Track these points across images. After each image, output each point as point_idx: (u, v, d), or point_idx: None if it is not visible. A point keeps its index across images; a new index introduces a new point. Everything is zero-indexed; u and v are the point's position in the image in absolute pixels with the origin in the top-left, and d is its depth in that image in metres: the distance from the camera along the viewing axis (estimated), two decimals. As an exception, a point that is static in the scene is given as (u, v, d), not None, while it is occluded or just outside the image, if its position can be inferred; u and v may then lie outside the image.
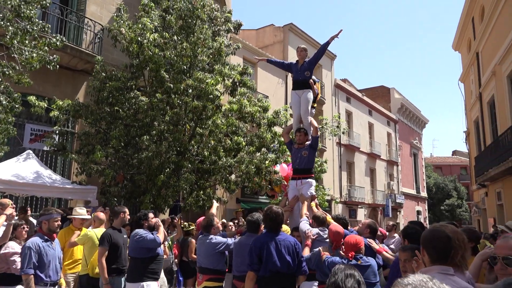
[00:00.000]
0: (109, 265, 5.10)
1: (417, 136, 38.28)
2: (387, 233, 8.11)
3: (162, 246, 5.39)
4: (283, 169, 9.53)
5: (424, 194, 38.62)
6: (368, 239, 5.04)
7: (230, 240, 5.09)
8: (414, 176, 36.78)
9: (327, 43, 6.34)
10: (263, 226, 4.84)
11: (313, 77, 6.68)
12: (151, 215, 5.24)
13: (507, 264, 2.19)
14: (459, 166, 52.35)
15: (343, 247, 4.39)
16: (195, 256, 6.53)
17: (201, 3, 10.17)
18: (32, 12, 6.77)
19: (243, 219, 9.06)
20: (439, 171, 51.25)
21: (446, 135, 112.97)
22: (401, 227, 29.28)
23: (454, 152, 58.41)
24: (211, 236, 5.08)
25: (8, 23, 6.58)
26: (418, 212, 36.32)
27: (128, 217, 5.64)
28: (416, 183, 36.97)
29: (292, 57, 18.35)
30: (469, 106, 21.63)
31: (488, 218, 17.60)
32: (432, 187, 42.50)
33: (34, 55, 6.74)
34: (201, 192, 9.93)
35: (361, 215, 26.63)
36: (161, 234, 5.23)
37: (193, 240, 7.32)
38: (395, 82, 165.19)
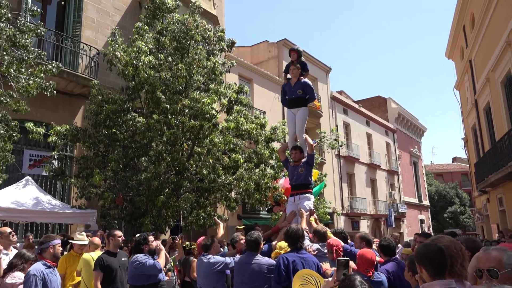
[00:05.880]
0: None
1: (416, 145, 38.33)
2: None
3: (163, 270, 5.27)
4: (286, 181, 9.56)
5: (426, 202, 38.45)
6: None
7: (229, 259, 5.05)
8: (415, 185, 36.69)
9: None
10: (262, 244, 4.83)
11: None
12: (151, 238, 5.07)
13: (491, 276, 2.21)
14: (460, 173, 52.24)
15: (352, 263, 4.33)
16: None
17: (195, 24, 10.33)
18: (28, 41, 6.88)
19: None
20: (440, 178, 51.13)
21: (445, 143, 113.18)
22: (405, 237, 29.08)
23: (454, 159, 58.40)
24: (209, 256, 5.04)
25: (4, 53, 6.68)
26: (422, 221, 36.10)
27: (120, 239, 5.46)
28: (417, 192, 36.85)
29: (287, 72, 18.45)
30: (466, 113, 21.73)
31: (492, 224, 17.51)
32: (434, 195, 42.36)
33: (31, 82, 6.82)
34: (202, 210, 9.90)
35: (364, 226, 26.46)
36: (162, 259, 5.04)
37: (195, 260, 7.25)
38: (392, 92, 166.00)
